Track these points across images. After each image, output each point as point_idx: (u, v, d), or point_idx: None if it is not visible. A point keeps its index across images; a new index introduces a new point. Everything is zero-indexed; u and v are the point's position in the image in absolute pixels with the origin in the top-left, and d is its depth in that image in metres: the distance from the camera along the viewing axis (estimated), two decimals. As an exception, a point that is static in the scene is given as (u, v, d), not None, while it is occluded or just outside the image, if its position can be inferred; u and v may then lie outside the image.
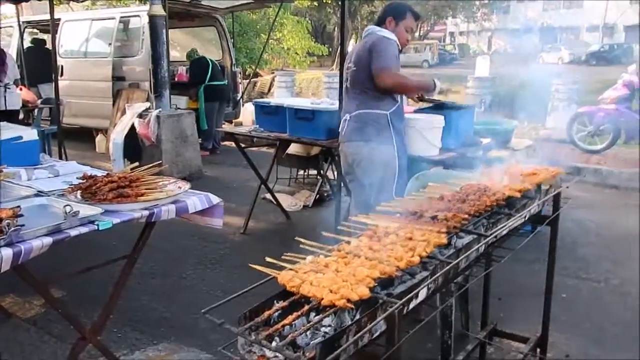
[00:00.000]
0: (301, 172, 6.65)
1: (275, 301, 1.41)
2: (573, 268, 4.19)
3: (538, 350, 2.76)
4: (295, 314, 1.29)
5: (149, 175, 2.55)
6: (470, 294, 3.02)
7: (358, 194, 3.45)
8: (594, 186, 6.78)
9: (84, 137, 9.23)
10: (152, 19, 6.83)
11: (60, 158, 6.29)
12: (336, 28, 28.81)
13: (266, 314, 1.31)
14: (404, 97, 3.52)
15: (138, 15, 8.16)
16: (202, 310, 1.32)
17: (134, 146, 6.85)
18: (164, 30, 6.84)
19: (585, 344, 3.12)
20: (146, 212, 2.25)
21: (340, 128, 3.52)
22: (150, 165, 2.63)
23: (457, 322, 2.95)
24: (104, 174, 2.46)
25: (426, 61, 31.70)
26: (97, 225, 2.08)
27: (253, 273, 1.54)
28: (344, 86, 3.58)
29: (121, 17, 8.53)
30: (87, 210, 2.12)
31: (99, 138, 8.78)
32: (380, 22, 3.37)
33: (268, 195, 5.59)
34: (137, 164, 2.76)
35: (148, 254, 4.28)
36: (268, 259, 1.60)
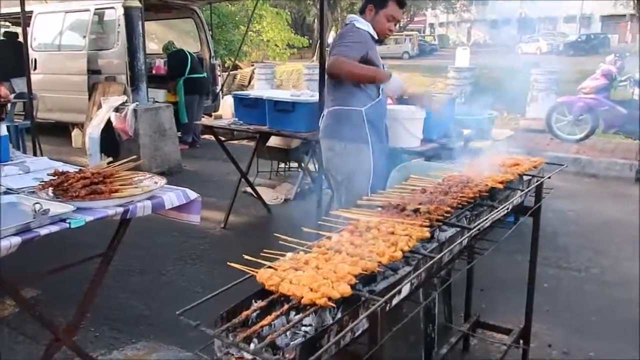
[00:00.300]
0: (282, 165, 6.59)
1: (253, 300, 1.36)
2: (554, 258, 4.21)
3: (521, 341, 2.75)
4: (274, 314, 1.24)
5: (124, 171, 2.47)
6: (452, 286, 3.00)
7: (337, 190, 3.38)
8: (574, 175, 6.84)
9: (60, 132, 9.04)
10: (128, 10, 6.69)
11: (35, 154, 6.14)
12: (316, 19, 28.68)
13: (243, 314, 1.26)
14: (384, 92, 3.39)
15: (113, 7, 7.97)
16: (177, 312, 1.27)
17: (111, 141, 6.72)
18: (140, 22, 6.71)
19: (567, 334, 3.13)
20: (120, 209, 2.17)
21: (319, 122, 3.44)
22: (125, 160, 2.55)
23: (440, 315, 2.93)
24: (77, 170, 2.37)
25: (406, 52, 31.70)
26: (69, 223, 2.00)
27: (234, 269, 1.49)
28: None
29: (96, 9, 8.33)
30: (58, 208, 2.04)
31: (75, 133, 8.60)
32: (362, 11, 3.24)
33: (249, 189, 5.53)
34: (110, 159, 2.68)
35: (126, 250, 4.20)
36: (246, 257, 1.55)
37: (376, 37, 3.20)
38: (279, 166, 6.63)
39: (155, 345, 2.91)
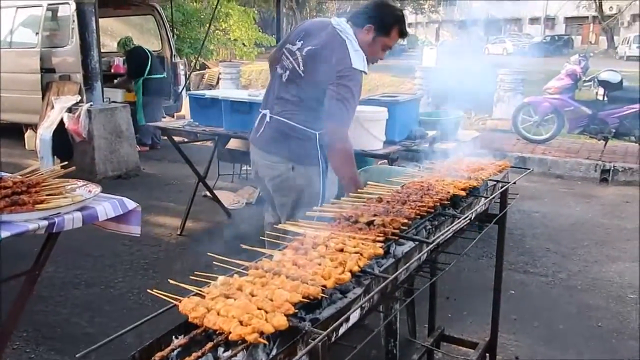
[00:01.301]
0: (245, 167, 6.36)
1: (174, 336, 1.17)
2: (520, 262, 4.10)
3: (487, 355, 2.61)
4: (194, 354, 1.05)
5: (53, 179, 2.24)
6: (416, 295, 2.84)
7: (280, 212, 2.80)
8: (539, 176, 6.80)
9: (15, 133, 8.62)
10: (80, 6, 6.37)
11: (-19, 157, 5.79)
12: (285, 18, 28.41)
13: (157, 355, 1.06)
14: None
15: (67, 3, 7.59)
16: (77, 355, 1.06)
17: (63, 143, 6.37)
18: (94, 18, 6.38)
19: (534, 344, 3.01)
20: (45, 222, 1.94)
21: (256, 122, 2.79)
22: (55, 166, 2.31)
23: (403, 325, 2.77)
24: (-3, 179, 2.13)
25: (375, 52, 31.72)
26: (-20, 239, 1.77)
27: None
28: (276, 70, 2.70)
29: (49, 4, 7.94)
30: (-31, 222, 1.80)
31: (29, 134, 8.20)
32: (358, 23, 2.57)
33: (209, 193, 5.29)
34: (56, 161, 2.44)
35: (73, 260, 3.97)
36: (172, 281, 1.35)
37: (366, 71, 2.57)
38: (242, 169, 6.40)
39: (95, 367, 2.67)
